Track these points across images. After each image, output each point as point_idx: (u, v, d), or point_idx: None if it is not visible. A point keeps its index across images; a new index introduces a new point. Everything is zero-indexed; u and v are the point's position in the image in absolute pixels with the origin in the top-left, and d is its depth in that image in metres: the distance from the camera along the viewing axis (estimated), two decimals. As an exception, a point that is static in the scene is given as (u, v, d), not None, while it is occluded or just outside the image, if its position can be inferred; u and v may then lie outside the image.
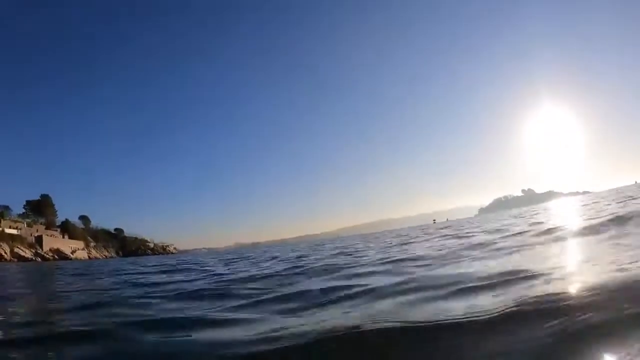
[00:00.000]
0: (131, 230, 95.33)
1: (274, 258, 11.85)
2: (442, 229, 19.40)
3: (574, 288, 2.26)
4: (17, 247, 51.97)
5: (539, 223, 9.73)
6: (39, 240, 58.38)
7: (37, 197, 70.68)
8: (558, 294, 2.18)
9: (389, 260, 6.02)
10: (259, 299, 3.59)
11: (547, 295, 2.20)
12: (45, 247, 58.18)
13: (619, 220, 6.06)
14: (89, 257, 67.57)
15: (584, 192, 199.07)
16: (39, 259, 53.10)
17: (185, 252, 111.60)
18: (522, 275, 2.96)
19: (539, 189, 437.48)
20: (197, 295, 4.30)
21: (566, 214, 12.56)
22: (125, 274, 10.43)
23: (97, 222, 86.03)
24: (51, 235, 63.58)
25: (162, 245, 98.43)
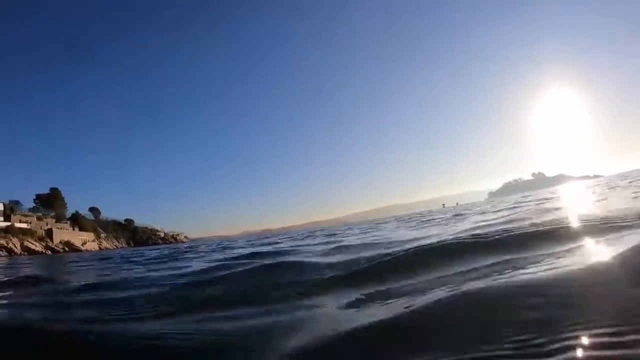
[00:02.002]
0: (142, 220, 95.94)
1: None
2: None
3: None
4: (27, 241, 52.17)
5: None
6: (49, 233, 58.61)
7: (47, 191, 71.11)
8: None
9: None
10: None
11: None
12: (56, 240, 58.40)
13: None
14: (99, 248, 67.85)
15: (595, 176, 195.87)
16: (49, 252, 53.31)
17: (198, 239, 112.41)
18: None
19: (549, 173, 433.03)
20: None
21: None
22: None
23: (107, 214, 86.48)
24: (61, 228, 63.85)
25: (173, 235, 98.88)
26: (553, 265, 1.95)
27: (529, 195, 26.75)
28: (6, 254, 46.42)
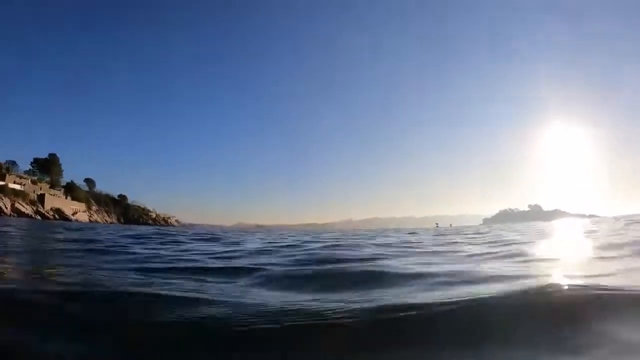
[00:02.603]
0: (136, 198, 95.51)
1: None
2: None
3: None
4: (19, 203, 52.03)
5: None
6: (41, 198, 58.51)
7: (45, 156, 70.96)
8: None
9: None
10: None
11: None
12: (47, 206, 58.31)
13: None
14: (89, 220, 67.71)
15: (590, 215, 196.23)
16: (39, 217, 53.17)
17: (189, 226, 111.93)
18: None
19: (545, 206, 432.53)
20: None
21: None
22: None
23: (102, 187, 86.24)
24: (54, 195, 63.77)
25: (164, 217, 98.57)
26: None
27: (527, 227, 25.21)
28: (-5, 212, 46.31)
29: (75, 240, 8.86)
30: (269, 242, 10.06)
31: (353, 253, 6.08)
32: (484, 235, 13.99)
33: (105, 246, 7.16)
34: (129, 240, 9.79)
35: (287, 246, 8.15)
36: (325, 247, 8.04)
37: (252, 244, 9.19)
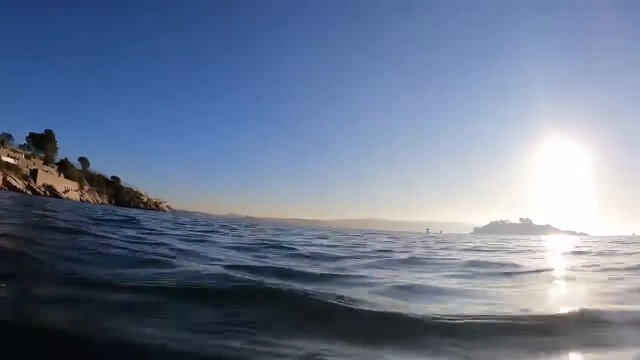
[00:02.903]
0: (128, 180, 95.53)
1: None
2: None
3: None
4: (11, 177, 52.31)
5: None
6: (34, 173, 58.78)
7: (41, 132, 71.03)
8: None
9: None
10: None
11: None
12: (39, 182, 58.60)
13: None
14: (80, 199, 68.06)
15: (581, 233, 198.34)
16: (30, 192, 53.52)
17: (181, 212, 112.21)
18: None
19: (536, 221, 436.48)
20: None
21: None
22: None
23: (95, 167, 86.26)
24: (47, 171, 63.98)
25: (156, 202, 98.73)
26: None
27: (517, 240, 24.97)
28: (-14, 184, 46.66)
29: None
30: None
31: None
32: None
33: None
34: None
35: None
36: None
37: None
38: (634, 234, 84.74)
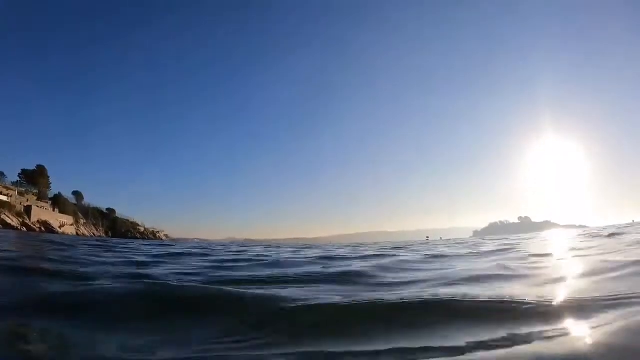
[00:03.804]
0: (123, 211, 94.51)
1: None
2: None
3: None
4: (5, 214, 51.39)
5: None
6: (28, 210, 57.78)
7: (33, 168, 70.22)
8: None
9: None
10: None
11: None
12: (33, 218, 57.56)
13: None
14: (77, 233, 66.87)
15: (580, 226, 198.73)
16: (25, 229, 52.49)
17: (177, 240, 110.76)
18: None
19: (535, 218, 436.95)
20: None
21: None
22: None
23: (90, 200, 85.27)
24: (41, 207, 62.95)
25: (153, 231, 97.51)
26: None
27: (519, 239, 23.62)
28: (-20, 223, 45.72)
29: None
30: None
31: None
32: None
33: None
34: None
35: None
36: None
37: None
38: (633, 221, 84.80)
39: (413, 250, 12.71)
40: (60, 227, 62.73)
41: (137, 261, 7.69)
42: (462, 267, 6.02)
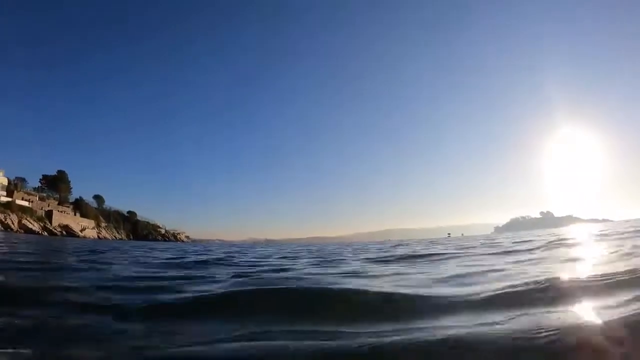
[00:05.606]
0: (144, 214, 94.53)
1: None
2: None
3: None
4: (26, 219, 51.14)
5: None
6: (49, 214, 57.64)
7: (54, 173, 70.50)
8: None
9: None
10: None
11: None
12: (55, 222, 57.38)
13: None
14: (98, 236, 66.66)
15: (604, 220, 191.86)
16: (46, 233, 52.15)
17: (199, 241, 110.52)
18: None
19: (557, 213, 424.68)
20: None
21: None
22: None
23: (110, 203, 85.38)
24: (62, 212, 62.86)
25: (174, 233, 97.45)
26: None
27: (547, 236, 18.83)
28: (2, 229, 45.37)
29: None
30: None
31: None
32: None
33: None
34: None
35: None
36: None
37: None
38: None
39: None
40: (81, 231, 62.50)
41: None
42: None
